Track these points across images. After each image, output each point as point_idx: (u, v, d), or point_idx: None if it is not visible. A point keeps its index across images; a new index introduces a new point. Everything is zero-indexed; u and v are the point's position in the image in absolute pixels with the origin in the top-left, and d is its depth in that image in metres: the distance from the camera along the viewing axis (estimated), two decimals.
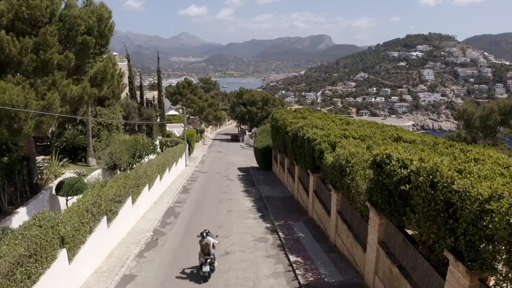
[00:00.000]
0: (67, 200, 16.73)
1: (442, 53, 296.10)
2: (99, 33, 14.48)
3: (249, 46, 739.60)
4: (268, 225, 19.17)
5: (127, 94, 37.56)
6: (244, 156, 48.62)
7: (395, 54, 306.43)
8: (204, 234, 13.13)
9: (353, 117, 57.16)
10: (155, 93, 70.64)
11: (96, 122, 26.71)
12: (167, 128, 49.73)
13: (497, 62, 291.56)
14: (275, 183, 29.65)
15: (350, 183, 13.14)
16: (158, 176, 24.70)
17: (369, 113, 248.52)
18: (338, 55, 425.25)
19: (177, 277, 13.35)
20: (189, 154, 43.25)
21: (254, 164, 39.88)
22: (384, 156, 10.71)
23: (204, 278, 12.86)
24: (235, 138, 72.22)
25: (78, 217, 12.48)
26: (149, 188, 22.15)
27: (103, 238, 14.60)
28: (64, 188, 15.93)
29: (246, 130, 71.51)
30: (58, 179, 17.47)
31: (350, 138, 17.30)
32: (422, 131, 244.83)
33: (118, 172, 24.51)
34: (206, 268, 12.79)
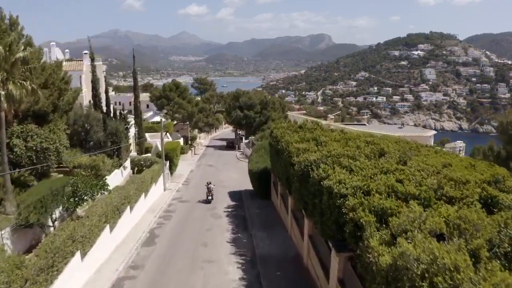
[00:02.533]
0: None
1: (444, 52, 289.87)
2: None
3: (249, 45, 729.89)
4: None
5: (90, 102, 29.71)
6: (239, 171, 40.78)
7: (396, 53, 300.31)
8: (208, 183, 28.06)
9: (364, 124, 49.40)
10: (145, 94, 62.67)
11: (25, 147, 18.89)
12: (149, 139, 41.94)
13: (500, 61, 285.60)
14: (274, 224, 21.86)
15: None
16: (107, 227, 16.93)
17: (370, 113, 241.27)
18: (338, 54, 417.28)
19: None
20: (172, 172, 35.52)
21: (249, 184, 31.93)
22: None
23: (209, 201, 27.45)
24: (231, 145, 64.33)
25: None
26: (83, 256, 14.36)
27: None
28: None
29: (243, 137, 63.55)
30: None
31: (411, 202, 9.46)
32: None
33: (51, 224, 16.76)
34: (210, 198, 27.64)
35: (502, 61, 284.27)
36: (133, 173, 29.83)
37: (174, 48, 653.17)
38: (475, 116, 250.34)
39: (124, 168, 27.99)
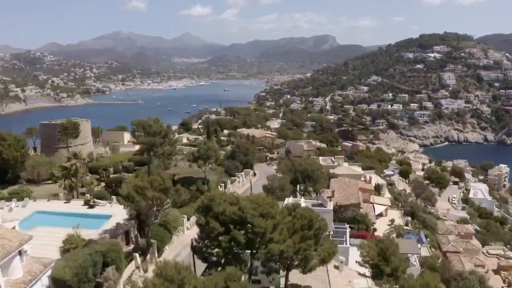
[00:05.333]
0: None
1: (462, 54, 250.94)
2: None
3: (252, 46, 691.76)
4: None
5: None
6: None
7: (410, 55, 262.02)
8: None
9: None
10: None
11: None
12: None
13: None
14: None
15: None
16: None
17: (386, 123, 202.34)
18: (343, 55, 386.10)
19: None
20: None
21: None
22: None
23: None
24: None
25: None
26: None
27: None
28: None
29: None
30: None
31: None
32: (446, 143, 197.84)
33: None
34: None
35: None
36: None
37: (177, 49, 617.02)
38: (501, 126, 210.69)
39: None
